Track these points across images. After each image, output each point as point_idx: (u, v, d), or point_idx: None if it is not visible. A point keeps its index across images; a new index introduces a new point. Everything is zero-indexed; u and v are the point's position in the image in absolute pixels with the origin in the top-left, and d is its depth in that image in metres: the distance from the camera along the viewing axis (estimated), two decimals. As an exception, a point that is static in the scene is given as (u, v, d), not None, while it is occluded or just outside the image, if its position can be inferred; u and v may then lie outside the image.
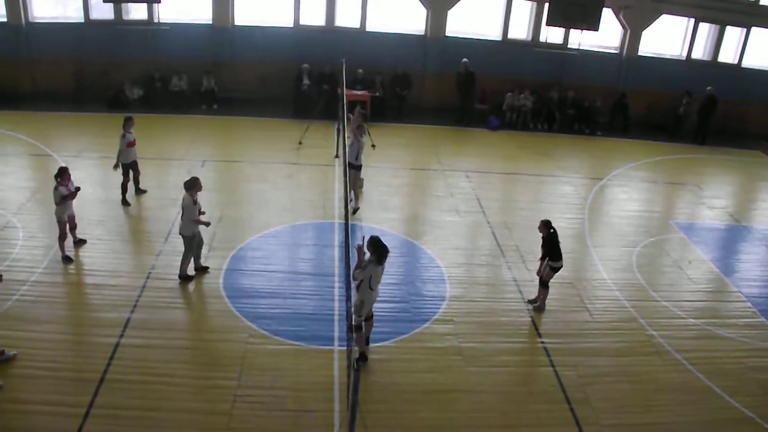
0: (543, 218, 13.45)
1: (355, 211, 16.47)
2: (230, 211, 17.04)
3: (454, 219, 17.34)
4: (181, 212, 13.59)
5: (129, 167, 17.19)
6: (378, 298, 11.71)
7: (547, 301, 13.69)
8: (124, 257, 15.24)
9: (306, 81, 24.56)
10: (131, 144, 16.93)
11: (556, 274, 13.46)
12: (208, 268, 14.28)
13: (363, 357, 11.71)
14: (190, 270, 14.01)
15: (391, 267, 14.70)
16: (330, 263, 14.87)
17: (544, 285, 13.48)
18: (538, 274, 13.58)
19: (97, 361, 11.56)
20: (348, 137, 16.19)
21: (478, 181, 19.77)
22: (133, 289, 13.71)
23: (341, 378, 11.21)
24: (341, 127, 18.14)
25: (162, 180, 18.78)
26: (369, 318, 11.75)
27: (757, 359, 12.82)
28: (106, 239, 15.73)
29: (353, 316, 11.04)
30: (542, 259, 13.39)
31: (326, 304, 13.37)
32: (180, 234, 13.71)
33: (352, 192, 16.16)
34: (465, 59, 24.32)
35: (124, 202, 17.18)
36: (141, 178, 17.82)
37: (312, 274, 14.48)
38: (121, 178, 17.18)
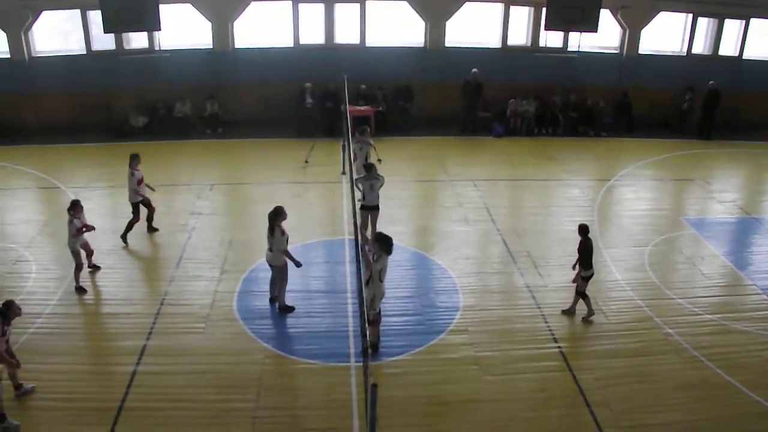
0: (580, 223, 13.47)
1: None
2: (240, 233, 17.14)
3: (463, 228, 17.36)
4: (269, 243, 13.29)
5: (140, 205, 16.95)
6: (392, 311, 11.79)
7: (570, 304, 13.66)
8: (137, 285, 15.35)
9: (309, 100, 24.67)
10: (140, 181, 16.73)
11: (573, 278, 13.48)
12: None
13: (375, 347, 11.99)
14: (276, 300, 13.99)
15: (403, 280, 14.83)
16: (342, 280, 14.92)
17: (582, 296, 13.39)
18: (573, 282, 13.55)
19: (116, 390, 11.64)
20: (362, 178, 15.95)
21: (486, 189, 19.78)
22: (148, 316, 13.80)
23: (359, 394, 11.20)
24: (346, 143, 18.21)
25: (170, 206, 18.86)
26: (377, 312, 11.99)
27: (776, 351, 12.75)
28: (119, 268, 15.85)
29: (367, 311, 11.24)
30: (575, 266, 13.40)
31: (340, 321, 13.40)
32: (270, 264, 13.54)
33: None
34: (475, 69, 24.37)
35: (124, 239, 16.76)
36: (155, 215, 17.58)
37: (325, 291, 14.55)
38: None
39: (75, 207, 14.51)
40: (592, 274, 13.29)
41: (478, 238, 17.03)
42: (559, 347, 12.62)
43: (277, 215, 13.17)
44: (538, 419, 10.94)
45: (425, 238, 16.97)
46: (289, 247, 13.30)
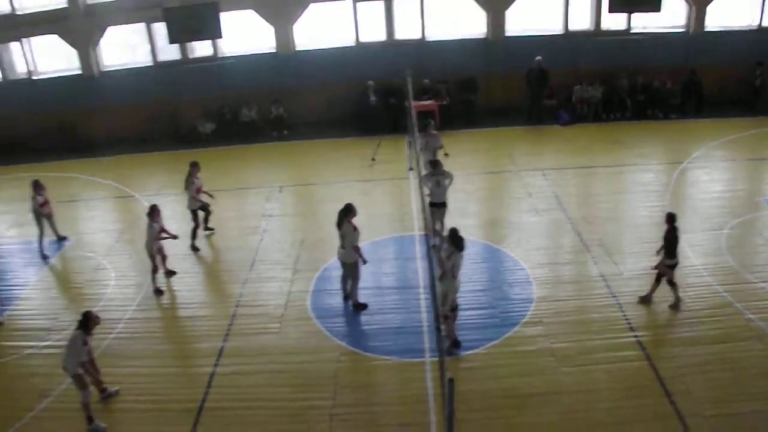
0: (668, 211, 13.28)
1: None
2: (311, 233, 17.34)
3: (534, 219, 17.19)
4: (341, 240, 13.43)
5: (198, 211, 17.32)
6: (465, 305, 11.78)
7: (647, 292, 13.40)
8: (213, 288, 15.73)
9: (372, 97, 24.76)
10: (199, 190, 17.11)
11: (650, 266, 13.29)
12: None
13: (455, 343, 12.01)
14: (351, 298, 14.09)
15: (476, 273, 14.78)
16: (414, 276, 14.96)
17: (669, 284, 13.10)
18: (654, 268, 13.29)
19: (195, 391, 11.98)
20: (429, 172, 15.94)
21: (555, 178, 19.50)
22: (224, 318, 14.13)
23: (435, 389, 11.26)
24: (412, 139, 18.23)
25: (241, 209, 19.28)
26: (454, 308, 11.96)
27: None
28: (193, 272, 16.27)
29: (441, 307, 11.23)
30: (659, 251, 13.18)
31: (414, 316, 13.46)
32: (342, 262, 13.70)
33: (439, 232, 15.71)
34: (538, 57, 24.07)
35: (194, 248, 17.16)
36: (217, 210, 18.05)
37: (397, 288, 14.63)
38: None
39: (153, 211, 15.01)
40: (677, 263, 12.99)
41: (549, 228, 16.83)
42: (636, 336, 12.38)
43: (347, 212, 13.32)
44: (616, 410, 10.73)
45: (496, 231, 16.87)
46: (360, 245, 13.41)
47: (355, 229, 13.25)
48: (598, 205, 17.87)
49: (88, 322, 11.23)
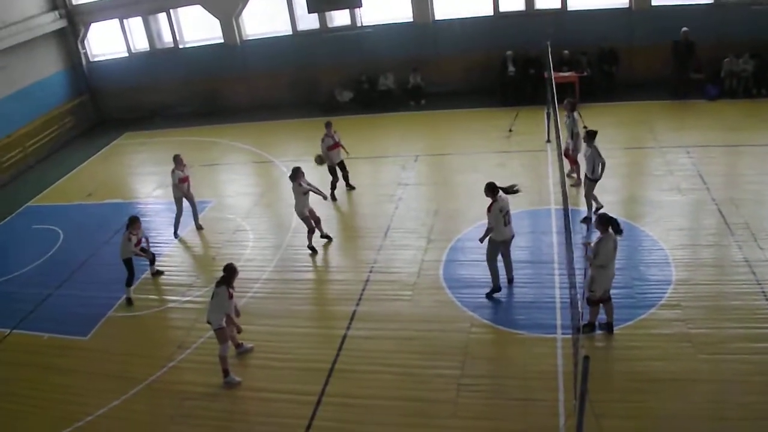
0: None
1: (596, 209, 15.69)
2: (445, 203, 17.52)
3: (675, 198, 16.60)
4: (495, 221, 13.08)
5: (335, 168, 18.26)
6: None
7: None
8: (347, 253, 16.21)
9: (511, 68, 24.47)
10: (331, 147, 17.91)
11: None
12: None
13: (590, 325, 11.85)
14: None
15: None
16: (549, 250, 14.89)
17: None
18: None
19: (327, 353, 12.51)
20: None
21: (700, 156, 18.64)
22: (357, 283, 14.59)
23: (565, 367, 11.25)
24: (551, 111, 17.98)
25: (377, 177, 19.66)
26: (606, 300, 11.71)
27: None
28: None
29: (587, 291, 11.40)
30: None
31: (547, 292, 13.42)
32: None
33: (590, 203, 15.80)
34: (685, 28, 22.99)
35: (332, 197, 18.22)
36: (353, 176, 18.86)
37: (531, 261, 14.57)
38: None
39: (296, 173, 15.54)
40: None
41: (691, 208, 16.21)
42: (783, 326, 11.78)
43: (508, 191, 13.24)
44: (755, 405, 10.23)
45: (634, 208, 16.43)
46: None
47: (501, 210, 13.02)
48: (745, 186, 16.93)
49: (231, 276, 11.87)
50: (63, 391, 12.65)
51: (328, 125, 18.14)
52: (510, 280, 13.81)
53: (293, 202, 15.78)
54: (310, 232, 15.88)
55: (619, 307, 12.23)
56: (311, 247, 15.96)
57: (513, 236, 13.38)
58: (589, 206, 15.63)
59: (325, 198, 16.51)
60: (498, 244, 13.26)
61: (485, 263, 13.51)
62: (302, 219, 15.79)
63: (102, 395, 12.22)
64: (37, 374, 13.26)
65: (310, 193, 15.78)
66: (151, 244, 16.04)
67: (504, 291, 13.62)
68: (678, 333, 11.86)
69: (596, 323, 11.99)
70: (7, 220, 20.91)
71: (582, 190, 16.07)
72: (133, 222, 14.97)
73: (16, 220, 20.84)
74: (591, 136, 15.29)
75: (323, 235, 16.27)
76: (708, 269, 13.70)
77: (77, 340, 14.17)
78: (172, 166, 17.32)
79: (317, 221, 16.03)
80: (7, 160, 24.82)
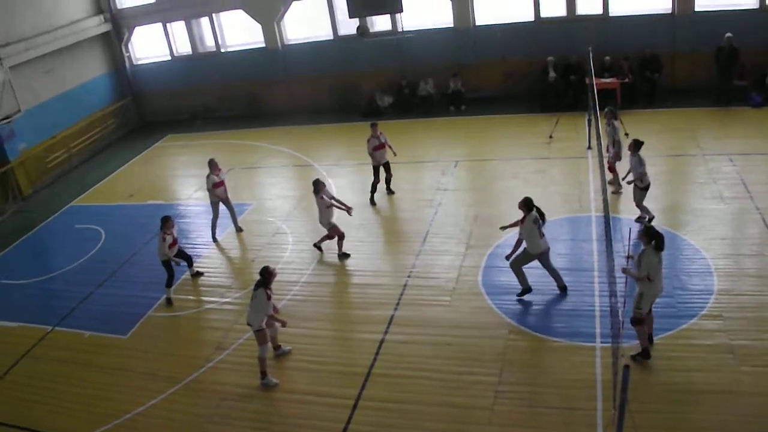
0: None
1: (648, 219, 15.46)
2: (485, 209, 17.51)
3: (718, 206, 16.35)
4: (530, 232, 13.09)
5: (378, 168, 18.41)
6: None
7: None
8: (386, 257, 16.28)
9: (552, 74, 24.36)
10: (377, 148, 18.14)
11: None
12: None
13: (645, 353, 11.45)
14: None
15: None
16: (589, 258, 14.77)
17: None
18: None
19: (364, 356, 12.57)
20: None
21: (743, 165, 18.31)
22: (396, 288, 14.64)
23: (604, 376, 11.15)
24: (592, 117, 17.86)
25: (417, 182, 19.72)
26: (648, 312, 11.44)
27: None
28: (368, 241, 16.93)
29: (634, 309, 11.10)
30: None
31: (586, 299, 13.33)
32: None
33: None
34: (729, 34, 22.64)
35: (372, 202, 18.43)
36: (393, 180, 18.93)
37: (570, 269, 14.43)
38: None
39: (318, 186, 15.68)
40: None
41: (735, 217, 15.94)
42: (826, 341, 11.51)
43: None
44: (799, 418, 10.05)
45: (676, 216, 16.22)
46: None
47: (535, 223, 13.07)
48: (790, 195, 16.67)
49: (268, 278, 12.00)
50: (102, 388, 12.93)
51: (373, 126, 18.38)
52: (563, 288, 13.69)
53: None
54: (340, 238, 16.00)
55: (659, 317, 12.09)
56: (342, 254, 16.09)
57: (548, 249, 13.31)
58: (643, 216, 15.50)
59: (349, 212, 16.27)
60: (533, 257, 13.30)
61: (524, 270, 13.52)
62: (331, 229, 15.94)
63: (141, 393, 12.47)
64: (78, 371, 13.58)
65: (334, 207, 15.95)
66: (186, 245, 16.23)
67: (543, 298, 13.58)
68: (720, 344, 11.67)
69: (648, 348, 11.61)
70: (50, 219, 21.42)
71: (626, 198, 15.88)
72: (165, 221, 15.23)
73: (60, 220, 21.34)
74: (637, 145, 15.17)
75: (340, 254, 16.27)
76: (751, 279, 13.46)
77: (117, 339, 14.46)
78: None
79: (341, 237, 16.08)
80: (52, 161, 25.41)
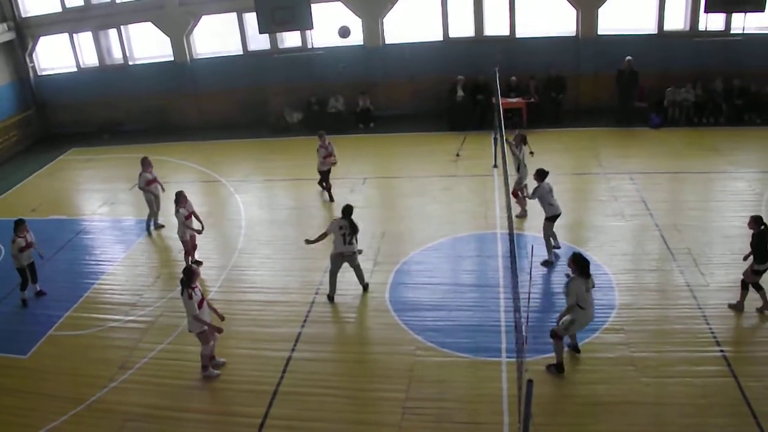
0: (753, 214, 12.74)
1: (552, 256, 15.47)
2: (392, 226, 17.43)
3: (619, 223, 16.77)
4: None
5: (328, 173, 19.08)
6: (544, 308, 11.54)
7: (737, 300, 12.89)
8: (293, 274, 15.94)
9: (460, 93, 24.64)
10: (326, 156, 18.87)
11: (740, 279, 12.75)
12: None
13: (559, 367, 11.52)
14: None
15: (557, 276, 14.56)
16: (494, 274, 14.86)
17: (744, 286, 12.68)
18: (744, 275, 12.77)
19: (271, 374, 12.26)
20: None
21: (643, 183, 18.94)
22: (303, 305, 14.39)
23: (510, 390, 11.16)
24: (498, 136, 18.05)
25: (325, 200, 19.49)
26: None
27: None
28: (275, 258, 16.63)
29: (558, 326, 11.24)
30: (746, 258, 12.75)
31: (492, 315, 13.35)
32: None
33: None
34: (629, 57, 23.39)
35: (330, 198, 19.16)
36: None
37: (476, 285, 14.52)
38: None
39: (179, 197, 15.67)
40: (766, 269, 12.43)
41: (635, 233, 16.37)
42: (722, 351, 11.88)
43: None
44: (696, 427, 10.29)
45: (579, 233, 16.55)
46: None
47: None
48: (687, 212, 17.23)
49: (190, 277, 11.69)
50: (2, 411, 12.15)
51: (321, 136, 18.90)
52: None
53: (241, 222, 15.60)
54: (187, 254, 15.99)
55: (563, 331, 12.18)
56: (192, 263, 15.81)
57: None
58: (548, 247, 15.28)
59: (200, 232, 16.10)
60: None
61: (431, 286, 13.86)
62: (183, 242, 15.90)
63: (42, 416, 11.74)
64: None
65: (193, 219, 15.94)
66: (89, 262, 15.59)
67: (449, 314, 13.54)
68: (621, 356, 11.89)
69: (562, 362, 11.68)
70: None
71: (531, 216, 16.12)
72: (18, 225, 15.04)
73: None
74: (542, 175, 15.10)
75: (193, 262, 16.10)
76: (651, 294, 13.84)
77: (16, 359, 13.62)
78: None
79: (193, 248, 16.16)
80: (-50, 173, 24.08)
